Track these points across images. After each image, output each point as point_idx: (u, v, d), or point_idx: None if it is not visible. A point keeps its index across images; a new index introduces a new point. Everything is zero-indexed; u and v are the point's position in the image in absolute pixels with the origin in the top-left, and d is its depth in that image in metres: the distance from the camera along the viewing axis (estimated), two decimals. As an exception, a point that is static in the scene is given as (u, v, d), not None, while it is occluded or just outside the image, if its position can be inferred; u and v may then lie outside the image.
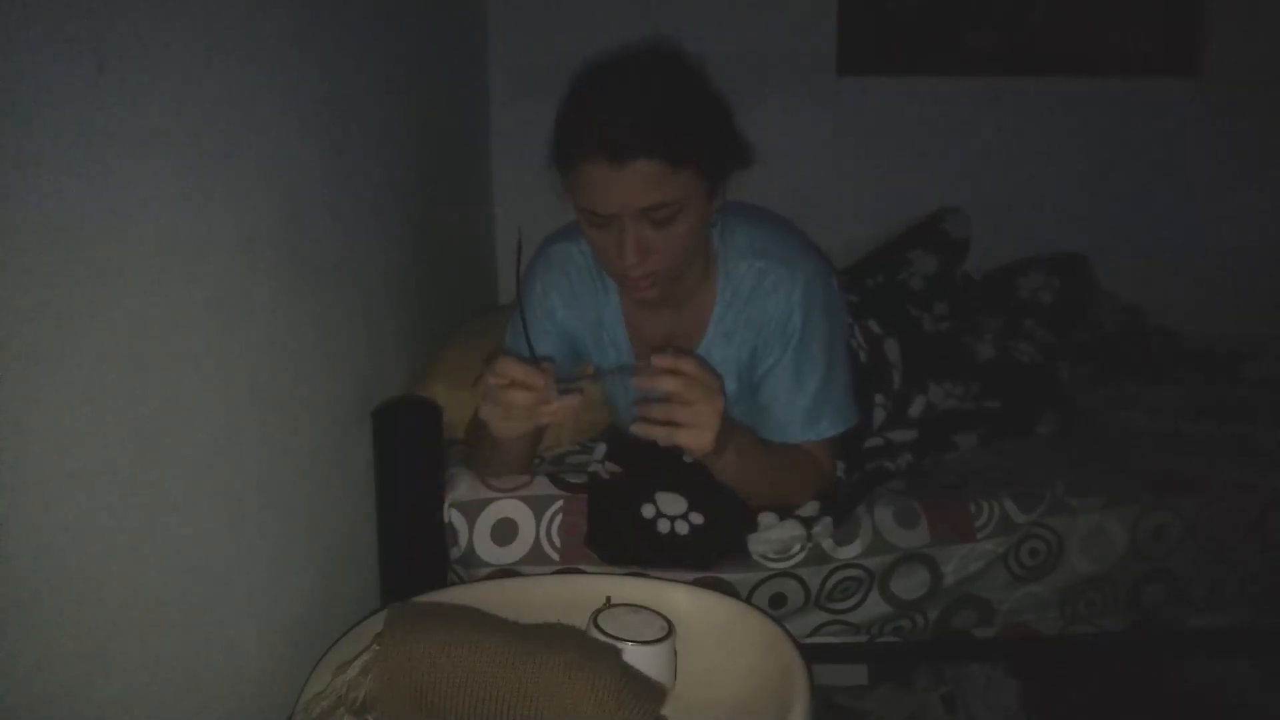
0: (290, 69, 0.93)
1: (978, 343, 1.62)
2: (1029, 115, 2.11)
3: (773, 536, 1.20)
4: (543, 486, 1.23)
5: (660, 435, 1.02)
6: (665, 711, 0.83)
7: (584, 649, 0.82)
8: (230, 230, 0.80)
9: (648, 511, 1.19)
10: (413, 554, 1.20)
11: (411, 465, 1.18)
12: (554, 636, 0.84)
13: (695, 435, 1.01)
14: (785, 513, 1.21)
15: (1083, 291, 1.87)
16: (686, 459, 1.30)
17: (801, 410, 1.21)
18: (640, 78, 1.10)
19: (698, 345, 1.23)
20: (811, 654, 0.89)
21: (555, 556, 1.21)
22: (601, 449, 1.33)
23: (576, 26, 2.03)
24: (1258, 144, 2.11)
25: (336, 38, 1.07)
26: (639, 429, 1.03)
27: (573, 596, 0.94)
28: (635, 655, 0.84)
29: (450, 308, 1.66)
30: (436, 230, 1.59)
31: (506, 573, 1.22)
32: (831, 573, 1.22)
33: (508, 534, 1.21)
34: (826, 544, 1.21)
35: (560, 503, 1.22)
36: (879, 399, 1.43)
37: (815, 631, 1.25)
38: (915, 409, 1.47)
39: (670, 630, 0.87)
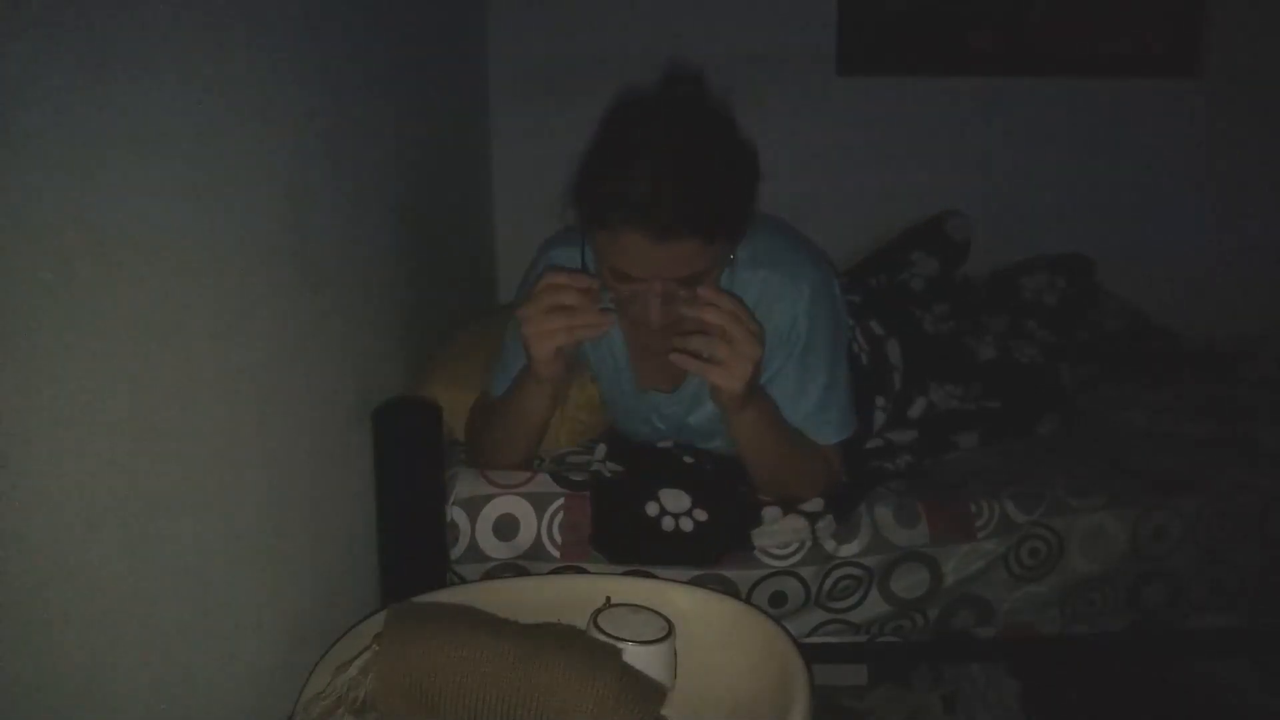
0: (291, 70, 0.93)
1: (979, 343, 1.62)
2: (1029, 115, 2.11)
3: (776, 529, 1.20)
4: (544, 484, 1.23)
5: (695, 367, 1.03)
6: (665, 711, 0.83)
7: (584, 649, 0.82)
8: (230, 230, 0.80)
9: (651, 509, 1.19)
10: (413, 554, 1.20)
11: (411, 465, 1.18)
12: (554, 636, 0.84)
13: (729, 374, 1.02)
14: (789, 507, 1.21)
15: (1086, 292, 1.87)
16: (687, 458, 1.30)
17: (805, 416, 1.21)
18: (678, 144, 1.04)
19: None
20: (811, 654, 0.89)
21: (556, 553, 1.21)
22: (602, 449, 1.33)
23: (576, 27, 2.03)
24: (1258, 144, 2.10)
25: (337, 38, 1.07)
26: (676, 359, 1.04)
27: (573, 596, 0.94)
28: (635, 655, 0.84)
29: (450, 308, 1.66)
30: (436, 230, 1.59)
31: (508, 566, 1.22)
32: (831, 571, 1.22)
33: (509, 530, 1.21)
34: (828, 543, 1.21)
35: (561, 500, 1.22)
36: (880, 401, 1.43)
37: (815, 630, 1.25)
38: (915, 410, 1.47)
39: (670, 630, 0.87)
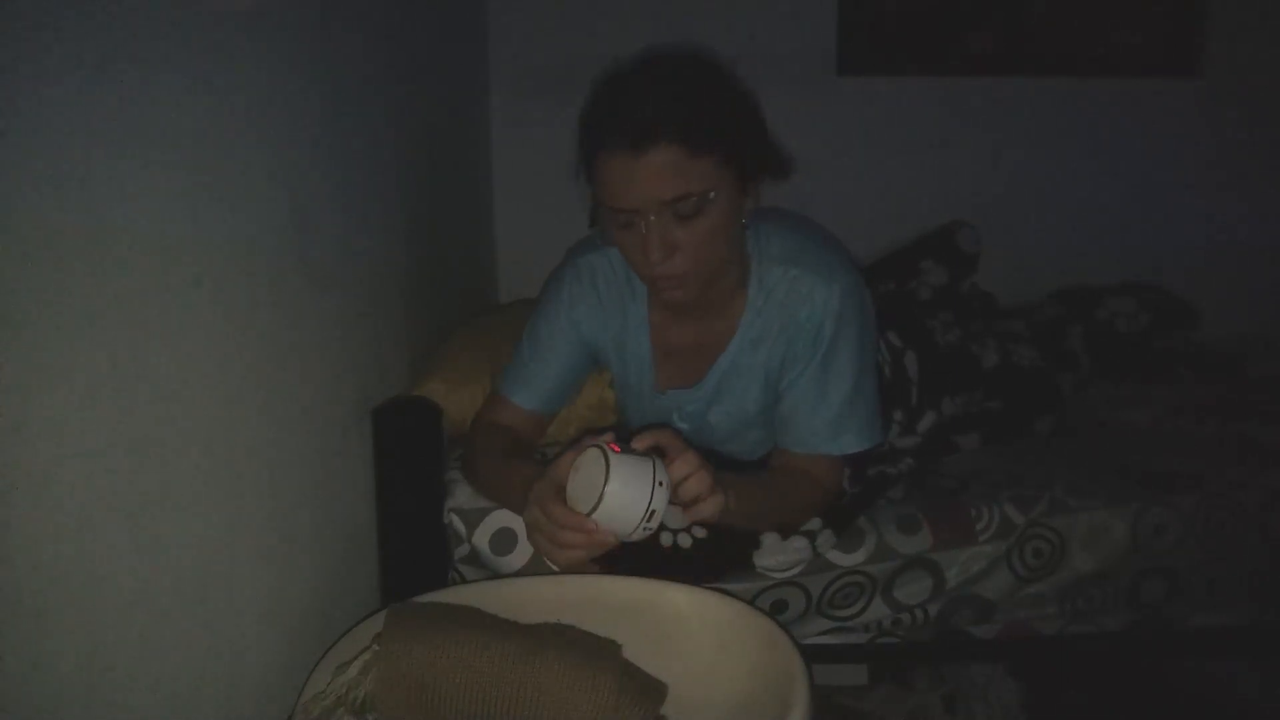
0: (291, 69, 0.93)
1: (983, 350, 1.61)
2: (1029, 115, 2.11)
3: (776, 550, 1.19)
4: None
5: (704, 515, 0.97)
6: (665, 711, 0.83)
7: (584, 649, 0.83)
8: (231, 230, 0.80)
9: None
10: (413, 554, 1.20)
11: (411, 465, 1.18)
12: (554, 636, 0.84)
13: (714, 498, 0.96)
14: (787, 532, 1.20)
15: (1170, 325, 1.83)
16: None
17: (825, 423, 1.17)
18: (664, 69, 1.08)
19: (722, 352, 1.21)
20: (811, 654, 0.89)
21: (555, 566, 1.20)
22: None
23: (576, 27, 2.04)
24: (1258, 144, 2.10)
25: (337, 38, 1.07)
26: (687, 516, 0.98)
27: (573, 596, 0.95)
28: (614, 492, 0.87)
29: (450, 308, 1.66)
30: (436, 230, 1.59)
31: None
32: (834, 580, 1.22)
33: (507, 543, 1.20)
34: (831, 554, 1.21)
35: None
36: (897, 415, 1.41)
37: (816, 636, 1.25)
38: (924, 424, 1.45)
39: (606, 463, 0.88)
